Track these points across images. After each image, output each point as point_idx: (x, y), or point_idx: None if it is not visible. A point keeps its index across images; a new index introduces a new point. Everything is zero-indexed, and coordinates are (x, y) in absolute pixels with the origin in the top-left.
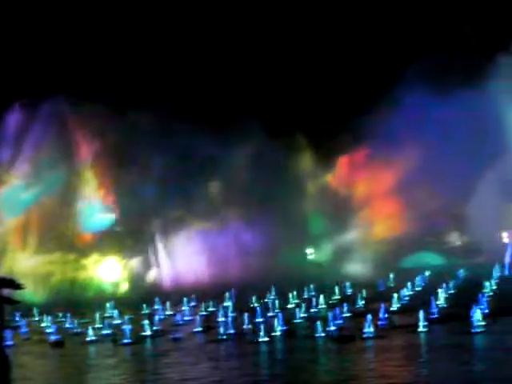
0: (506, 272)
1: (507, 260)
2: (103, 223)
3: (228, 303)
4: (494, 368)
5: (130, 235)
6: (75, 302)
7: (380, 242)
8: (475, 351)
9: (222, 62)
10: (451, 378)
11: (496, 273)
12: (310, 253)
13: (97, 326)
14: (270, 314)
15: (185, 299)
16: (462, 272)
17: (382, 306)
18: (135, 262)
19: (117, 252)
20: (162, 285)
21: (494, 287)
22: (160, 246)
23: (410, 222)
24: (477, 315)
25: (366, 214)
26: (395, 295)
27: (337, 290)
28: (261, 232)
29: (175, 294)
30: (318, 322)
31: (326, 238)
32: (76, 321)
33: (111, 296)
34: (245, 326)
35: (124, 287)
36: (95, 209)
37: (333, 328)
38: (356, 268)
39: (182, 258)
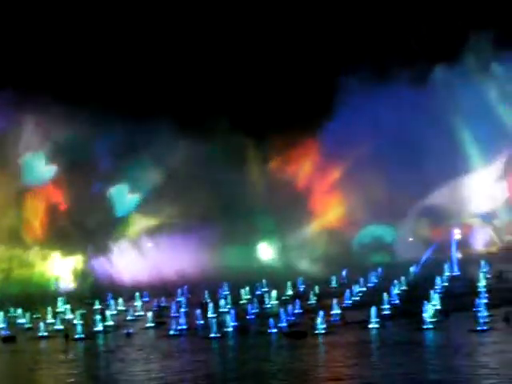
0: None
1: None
2: None
3: (180, 299)
4: (442, 366)
5: (76, 231)
6: (25, 297)
7: (329, 233)
8: (426, 348)
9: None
10: (398, 377)
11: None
12: (263, 249)
13: (48, 321)
14: (222, 310)
15: (137, 294)
16: (413, 269)
17: (335, 302)
18: (81, 258)
19: (63, 247)
20: (111, 281)
21: (446, 284)
22: (108, 242)
23: (356, 210)
24: (428, 312)
25: (314, 207)
26: (348, 291)
27: (289, 286)
28: (208, 229)
29: (126, 290)
30: (271, 318)
31: (274, 234)
32: (28, 316)
33: (60, 291)
34: (197, 322)
35: (72, 282)
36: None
37: (285, 324)
38: (306, 264)
39: (130, 254)
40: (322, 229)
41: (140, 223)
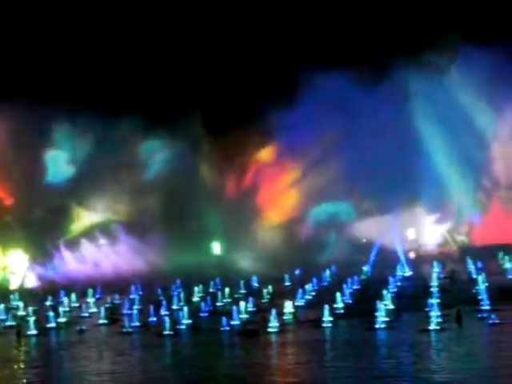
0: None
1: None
2: None
3: (134, 296)
4: (393, 364)
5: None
6: None
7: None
8: (378, 348)
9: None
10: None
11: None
12: (216, 247)
13: (0, 317)
14: (175, 308)
15: (90, 291)
16: (366, 268)
17: (288, 300)
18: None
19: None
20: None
21: (398, 283)
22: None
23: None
24: (381, 311)
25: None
26: (301, 290)
27: (242, 284)
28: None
29: (79, 286)
30: (223, 316)
31: (221, 233)
32: None
33: (14, 288)
34: (150, 319)
35: (27, 279)
36: None
37: (238, 322)
38: (246, 263)
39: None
40: (271, 226)
41: (84, 219)
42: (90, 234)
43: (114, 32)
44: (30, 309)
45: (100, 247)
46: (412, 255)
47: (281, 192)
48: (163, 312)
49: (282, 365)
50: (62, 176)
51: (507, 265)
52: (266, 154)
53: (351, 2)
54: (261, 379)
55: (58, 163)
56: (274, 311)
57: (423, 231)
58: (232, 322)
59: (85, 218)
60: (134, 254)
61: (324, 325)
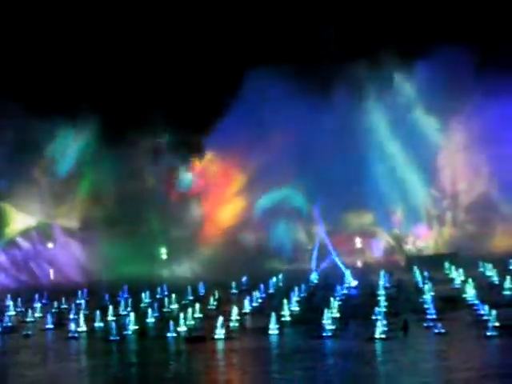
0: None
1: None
2: None
3: (80, 301)
4: (339, 373)
5: None
6: None
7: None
8: (324, 356)
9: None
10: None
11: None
12: (163, 252)
13: None
14: (121, 313)
15: (36, 296)
16: (314, 276)
17: (235, 307)
18: None
19: None
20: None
21: (345, 292)
22: None
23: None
24: (328, 319)
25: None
26: (248, 297)
27: (190, 290)
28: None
29: (25, 291)
30: (170, 322)
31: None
32: None
33: None
34: (96, 324)
35: None
36: None
37: (184, 328)
38: (185, 268)
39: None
40: (216, 232)
41: (18, 221)
42: (26, 235)
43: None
44: None
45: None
46: (359, 264)
47: (227, 198)
48: (110, 317)
49: (222, 372)
50: None
51: (453, 274)
52: (209, 158)
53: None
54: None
55: None
56: (220, 318)
57: (370, 239)
58: (178, 329)
59: (21, 220)
60: (77, 259)
61: (270, 332)
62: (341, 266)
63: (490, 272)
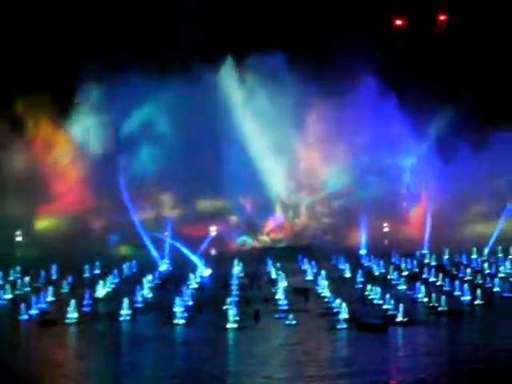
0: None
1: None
2: None
3: None
4: (191, 361)
5: None
6: None
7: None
8: (174, 344)
9: None
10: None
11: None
12: (18, 234)
13: None
14: None
15: None
16: (165, 263)
17: (87, 292)
18: None
19: None
20: None
21: (199, 280)
22: None
23: None
24: (180, 307)
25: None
26: (101, 282)
27: (43, 273)
28: None
29: None
30: (22, 305)
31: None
32: None
33: None
34: None
35: None
36: None
37: (36, 311)
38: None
39: None
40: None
41: None
42: None
43: None
44: None
45: None
46: (213, 252)
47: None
48: None
49: (64, 357)
50: None
51: (306, 266)
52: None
53: None
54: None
55: None
56: (72, 302)
57: (229, 228)
58: (30, 311)
59: None
60: None
61: (122, 318)
62: (190, 254)
63: (343, 265)
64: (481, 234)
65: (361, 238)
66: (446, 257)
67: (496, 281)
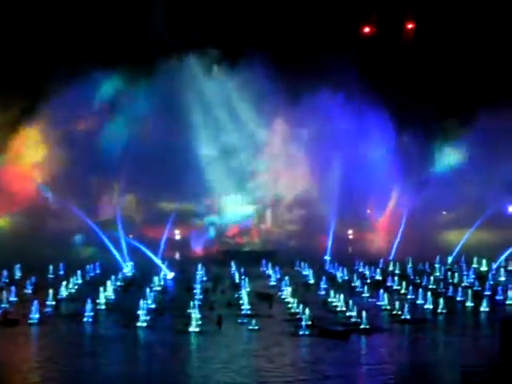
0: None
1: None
2: None
3: None
4: (149, 363)
5: None
6: None
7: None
8: (136, 345)
9: None
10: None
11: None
12: None
13: None
14: None
15: None
16: (130, 265)
17: (50, 292)
18: None
19: None
20: None
21: (162, 283)
22: None
23: None
24: (143, 309)
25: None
26: (64, 283)
27: (6, 273)
28: None
29: None
30: None
31: None
32: None
33: None
34: None
35: None
36: None
37: None
38: None
39: None
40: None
41: None
42: None
43: None
44: None
45: None
46: (177, 256)
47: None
48: None
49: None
50: None
51: (270, 271)
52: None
53: None
54: None
55: None
56: (35, 302)
57: (190, 231)
58: None
59: None
60: None
61: (85, 319)
62: (153, 257)
63: (306, 271)
64: (452, 241)
65: (325, 245)
66: (410, 266)
67: (459, 290)
